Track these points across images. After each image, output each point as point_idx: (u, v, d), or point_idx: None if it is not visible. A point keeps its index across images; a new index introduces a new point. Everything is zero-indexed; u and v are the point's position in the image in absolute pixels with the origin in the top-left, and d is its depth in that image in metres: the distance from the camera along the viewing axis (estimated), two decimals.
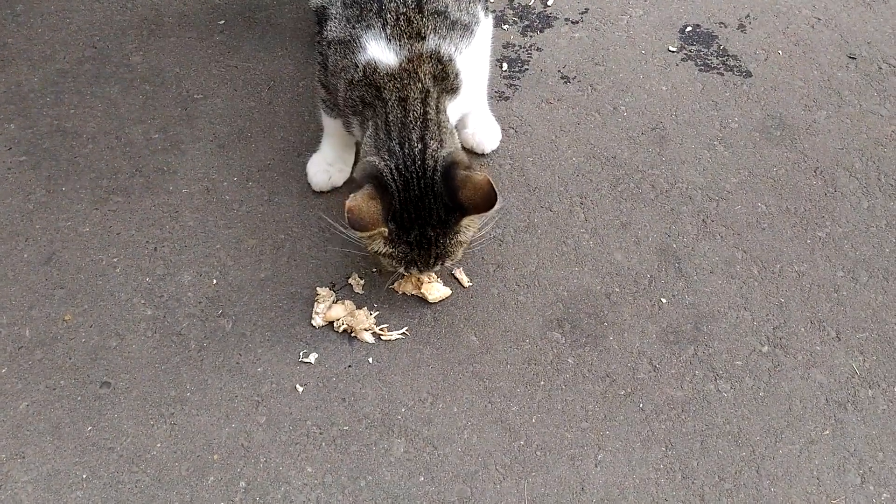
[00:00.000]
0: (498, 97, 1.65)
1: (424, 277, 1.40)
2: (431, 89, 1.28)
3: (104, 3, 1.81)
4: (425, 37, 1.28)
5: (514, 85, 1.68)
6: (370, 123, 1.29)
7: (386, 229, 1.24)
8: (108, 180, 1.55)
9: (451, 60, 1.30)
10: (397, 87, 1.27)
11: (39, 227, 1.49)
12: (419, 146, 1.25)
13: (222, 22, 1.77)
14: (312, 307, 1.39)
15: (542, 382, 1.33)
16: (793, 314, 1.39)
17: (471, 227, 1.29)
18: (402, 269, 1.31)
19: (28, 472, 1.25)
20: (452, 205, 1.24)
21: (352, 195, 1.23)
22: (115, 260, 1.45)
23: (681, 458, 1.26)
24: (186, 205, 1.51)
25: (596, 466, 1.26)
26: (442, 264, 1.31)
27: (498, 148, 1.57)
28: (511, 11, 1.81)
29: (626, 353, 1.36)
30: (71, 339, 1.37)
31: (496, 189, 1.20)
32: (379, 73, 1.27)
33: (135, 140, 1.60)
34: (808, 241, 1.47)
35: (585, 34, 1.77)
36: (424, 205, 1.24)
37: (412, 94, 1.27)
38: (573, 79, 1.69)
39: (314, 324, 1.38)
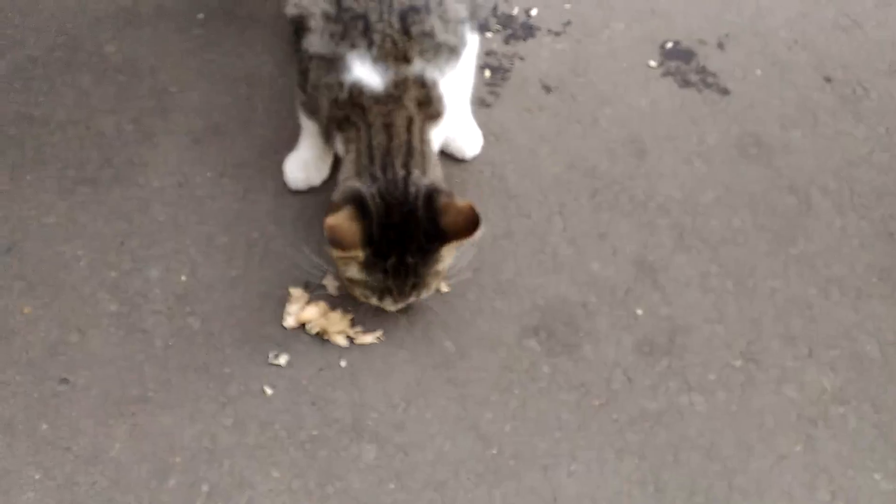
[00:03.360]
0: (480, 104, 1.65)
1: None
2: (415, 117, 1.28)
3: None
4: (411, 60, 1.27)
5: (496, 92, 1.68)
6: (353, 147, 1.28)
7: (362, 253, 1.22)
8: (75, 171, 1.51)
9: (434, 85, 1.29)
10: (382, 113, 1.26)
11: (1, 216, 1.44)
12: (402, 172, 1.24)
13: (201, 16, 1.74)
14: (284, 308, 1.36)
15: (516, 390, 1.32)
16: (766, 329, 1.40)
17: (450, 255, 1.28)
18: (374, 300, 1.29)
19: None
20: (434, 232, 1.23)
21: (332, 215, 1.21)
22: (80, 252, 1.41)
23: (653, 470, 1.26)
24: (157, 199, 1.48)
25: (568, 477, 1.25)
26: (417, 296, 1.29)
27: (478, 154, 1.56)
28: (494, 19, 1.81)
29: (601, 364, 1.35)
30: (29, 333, 1.33)
31: (479, 215, 1.20)
32: (364, 95, 1.26)
33: (105, 131, 1.56)
34: (782, 258, 1.48)
35: (567, 46, 1.78)
36: (405, 231, 1.23)
37: (397, 120, 1.26)
38: (554, 89, 1.70)
39: (286, 325, 1.35)
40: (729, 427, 1.30)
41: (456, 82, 1.35)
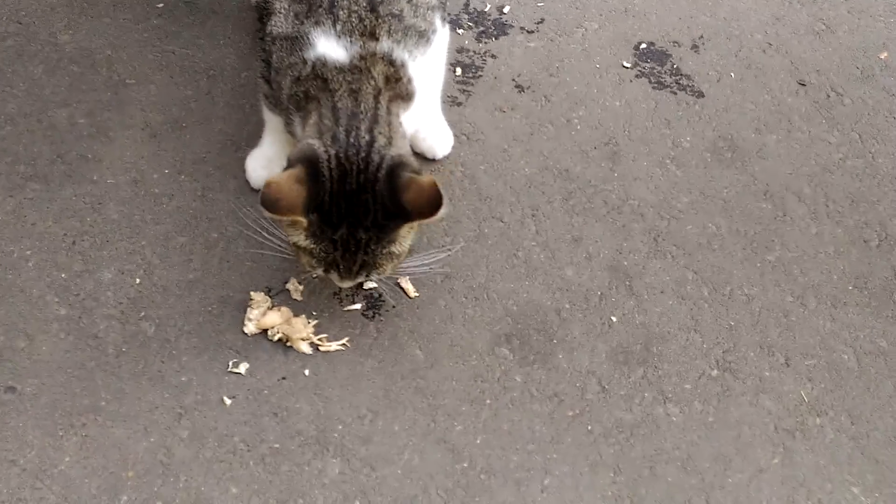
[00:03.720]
0: (451, 102, 1.61)
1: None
2: (383, 89, 1.23)
3: None
4: (378, 37, 1.23)
5: (468, 91, 1.64)
6: (314, 114, 1.22)
7: (305, 220, 1.15)
8: (25, 166, 1.44)
9: (403, 65, 1.25)
10: (348, 80, 1.21)
11: None
12: (367, 137, 1.18)
13: (161, 5, 1.68)
14: (245, 313, 1.31)
15: (488, 401, 1.28)
16: (742, 338, 1.37)
17: (407, 238, 1.21)
18: (320, 271, 1.22)
19: None
20: (394, 208, 1.16)
21: (278, 174, 1.15)
22: (28, 253, 1.35)
23: (629, 484, 1.22)
24: (111, 196, 1.42)
25: (542, 492, 1.21)
26: (367, 276, 1.23)
27: (449, 154, 1.52)
28: (466, 16, 1.77)
29: (575, 373, 1.32)
30: None
31: (443, 193, 1.13)
32: (328, 67, 1.21)
33: (58, 124, 1.49)
34: (758, 265, 1.46)
35: (541, 44, 1.74)
36: (359, 202, 1.16)
37: (364, 87, 1.21)
38: (527, 88, 1.66)
39: (246, 331, 1.30)
40: (706, 439, 1.27)
41: (427, 71, 1.30)
